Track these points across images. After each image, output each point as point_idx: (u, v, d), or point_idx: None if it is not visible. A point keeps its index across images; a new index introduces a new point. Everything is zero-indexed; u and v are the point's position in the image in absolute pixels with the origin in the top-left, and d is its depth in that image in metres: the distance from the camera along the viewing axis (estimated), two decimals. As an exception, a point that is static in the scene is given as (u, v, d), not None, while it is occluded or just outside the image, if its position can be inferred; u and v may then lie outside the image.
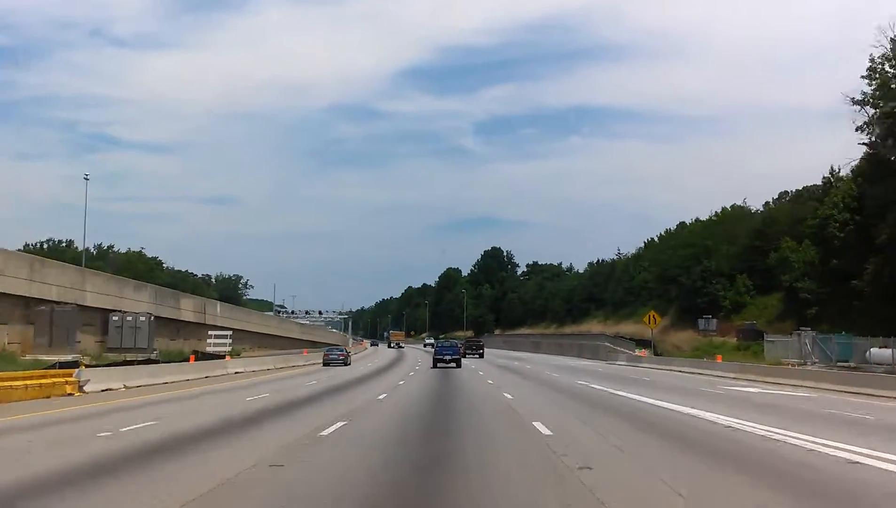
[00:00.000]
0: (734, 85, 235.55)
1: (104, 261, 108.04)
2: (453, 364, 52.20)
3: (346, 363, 62.57)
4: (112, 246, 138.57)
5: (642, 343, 73.81)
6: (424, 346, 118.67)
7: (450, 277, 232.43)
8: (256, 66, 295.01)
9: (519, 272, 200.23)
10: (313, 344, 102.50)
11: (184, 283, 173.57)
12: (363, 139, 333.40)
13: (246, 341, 78.29)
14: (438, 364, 52.25)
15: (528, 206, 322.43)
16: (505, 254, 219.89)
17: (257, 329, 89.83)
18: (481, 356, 78.40)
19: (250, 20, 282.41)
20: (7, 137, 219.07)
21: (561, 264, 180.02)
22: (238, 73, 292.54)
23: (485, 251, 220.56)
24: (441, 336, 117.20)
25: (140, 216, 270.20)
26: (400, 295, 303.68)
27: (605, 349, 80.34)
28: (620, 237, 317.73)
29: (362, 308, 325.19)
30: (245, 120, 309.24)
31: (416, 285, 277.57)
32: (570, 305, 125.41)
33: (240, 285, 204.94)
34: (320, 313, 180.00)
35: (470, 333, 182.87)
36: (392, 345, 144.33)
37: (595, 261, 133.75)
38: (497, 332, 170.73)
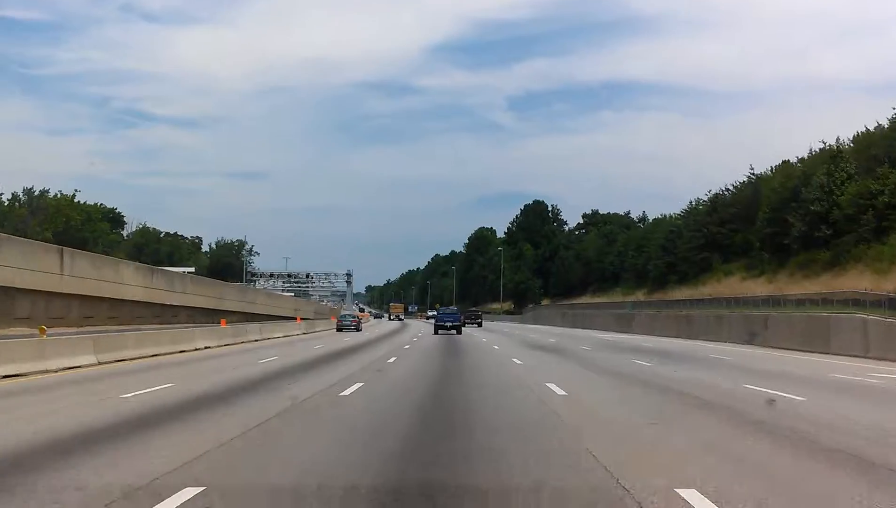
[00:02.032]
0: (770, 57, 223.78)
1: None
2: (454, 331, 52.91)
3: (358, 329, 64.07)
4: (46, 190, 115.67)
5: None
6: (427, 319, 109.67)
7: (482, 238, 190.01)
8: (288, 41, 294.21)
9: (571, 227, 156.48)
10: (270, 318, 62.91)
11: (157, 244, 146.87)
12: (395, 115, 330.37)
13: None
14: (440, 331, 52.98)
15: (561, 182, 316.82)
16: (550, 208, 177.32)
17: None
18: (480, 324, 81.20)
19: None
20: (41, 113, 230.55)
21: (629, 212, 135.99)
22: (269, 48, 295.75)
23: (525, 206, 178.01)
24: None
25: (171, 191, 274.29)
26: (425, 265, 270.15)
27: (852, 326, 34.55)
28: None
29: (388, 281, 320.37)
30: (276, 95, 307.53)
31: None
32: (671, 257, 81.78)
33: (243, 253, 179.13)
34: (308, 275, 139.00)
35: (509, 305, 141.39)
36: (392, 317, 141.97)
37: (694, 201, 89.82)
38: (545, 302, 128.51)
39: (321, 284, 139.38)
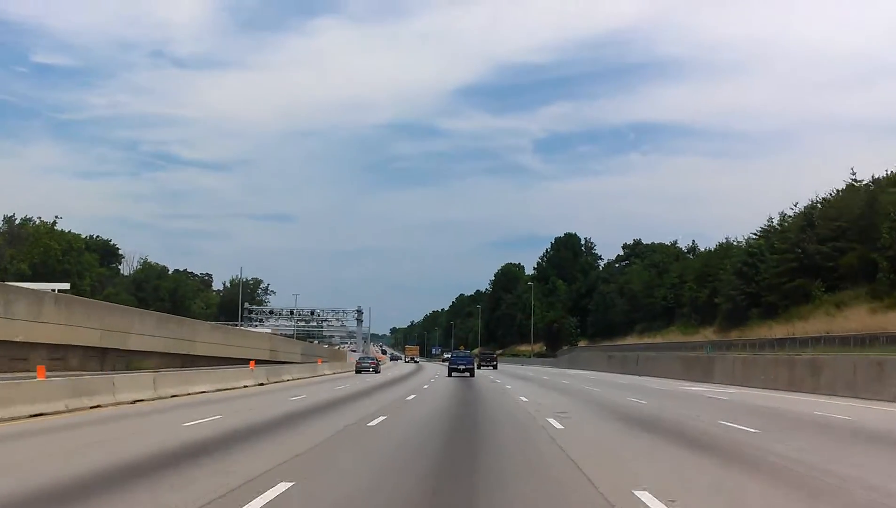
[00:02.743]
0: (796, 100, 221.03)
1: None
2: (467, 373, 52.95)
3: (376, 371, 64.93)
4: (29, 218, 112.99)
5: None
6: (443, 361, 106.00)
7: (509, 274, 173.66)
8: (315, 84, 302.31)
9: (609, 260, 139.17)
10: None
11: (158, 281, 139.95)
12: (421, 157, 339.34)
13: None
14: (453, 373, 53.13)
15: (588, 224, 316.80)
16: (584, 242, 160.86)
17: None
18: (495, 367, 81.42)
19: (309, 39, 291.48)
20: (72, 157, 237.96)
21: (676, 242, 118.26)
22: (296, 91, 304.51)
23: (555, 240, 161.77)
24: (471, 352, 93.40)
25: (198, 233, 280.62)
26: (449, 306, 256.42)
27: None
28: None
29: (412, 322, 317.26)
30: (303, 138, 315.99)
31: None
32: (752, 286, 63.97)
33: (258, 291, 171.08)
34: (312, 313, 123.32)
35: (540, 346, 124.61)
36: (407, 360, 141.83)
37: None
38: (582, 343, 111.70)
39: (331, 322, 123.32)
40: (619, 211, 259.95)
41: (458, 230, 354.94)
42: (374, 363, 67.90)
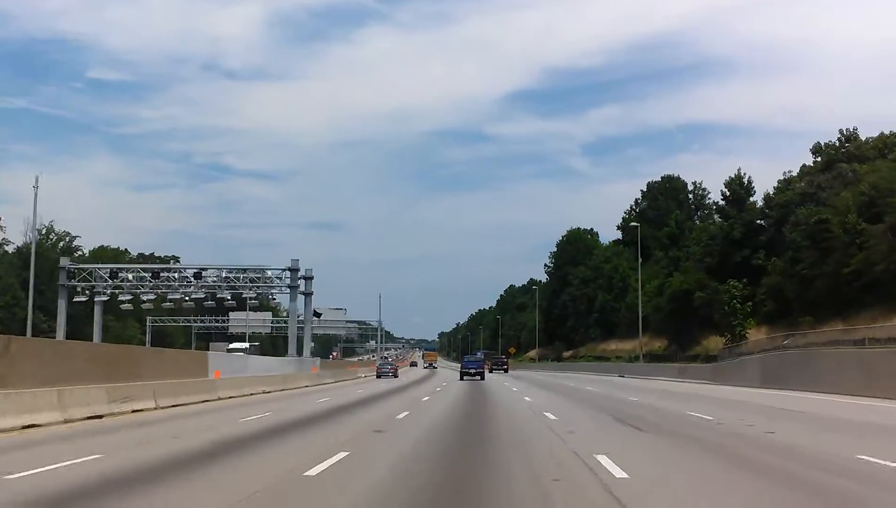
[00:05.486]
0: (847, 97, 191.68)
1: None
2: (478, 377, 53.74)
3: (395, 376, 66.44)
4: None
5: None
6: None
7: (578, 242, 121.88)
8: (363, 93, 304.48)
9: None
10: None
11: None
12: (470, 162, 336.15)
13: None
14: (465, 377, 53.96)
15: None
16: (692, 186, 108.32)
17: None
18: (505, 371, 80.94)
19: (357, 49, 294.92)
20: (129, 170, 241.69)
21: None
22: (345, 101, 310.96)
23: (648, 185, 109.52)
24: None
25: (249, 242, 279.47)
26: (497, 301, 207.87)
27: None
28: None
29: (458, 324, 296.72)
30: (352, 147, 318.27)
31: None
32: None
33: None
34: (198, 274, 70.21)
35: (662, 343, 73.07)
36: (425, 366, 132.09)
37: None
38: (754, 333, 58.21)
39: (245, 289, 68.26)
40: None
41: (508, 234, 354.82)
42: (393, 369, 70.96)
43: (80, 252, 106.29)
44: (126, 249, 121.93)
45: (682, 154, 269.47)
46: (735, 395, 30.50)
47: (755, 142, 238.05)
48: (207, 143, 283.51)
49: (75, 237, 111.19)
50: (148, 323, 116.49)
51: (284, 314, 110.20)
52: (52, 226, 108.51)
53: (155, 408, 21.70)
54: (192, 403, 24.15)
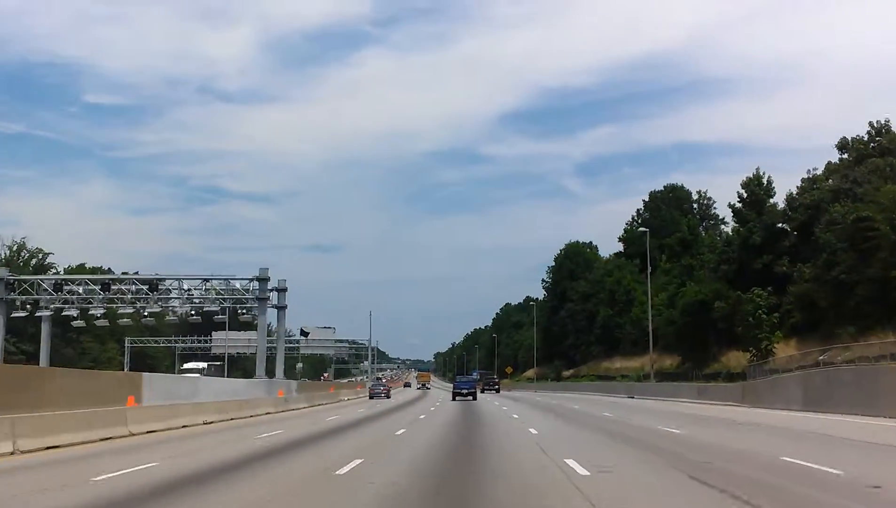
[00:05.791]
0: (839, 116, 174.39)
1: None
2: (470, 397, 55.29)
3: (388, 396, 67.11)
4: None
5: None
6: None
7: (577, 257, 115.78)
8: (358, 115, 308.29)
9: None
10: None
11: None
12: (464, 183, 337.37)
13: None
14: (457, 398, 55.23)
15: None
16: (697, 195, 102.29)
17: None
18: (497, 391, 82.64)
19: (352, 71, 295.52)
20: (125, 194, 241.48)
21: None
22: (340, 123, 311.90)
23: (652, 193, 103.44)
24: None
25: (245, 265, 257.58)
26: (493, 319, 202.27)
27: None
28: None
29: (453, 344, 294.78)
30: (347, 168, 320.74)
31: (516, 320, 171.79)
32: None
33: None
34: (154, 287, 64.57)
35: (676, 361, 66.98)
36: (418, 386, 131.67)
37: None
38: (781, 348, 51.86)
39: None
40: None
41: (504, 255, 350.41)
42: (385, 390, 71.48)
43: (53, 270, 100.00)
44: (109, 268, 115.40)
45: (676, 173, 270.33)
46: (788, 422, 24.31)
47: (756, 159, 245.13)
48: (203, 166, 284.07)
49: (48, 254, 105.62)
50: (126, 344, 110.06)
51: (274, 335, 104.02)
52: (23, 243, 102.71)
53: (12, 453, 15.43)
54: (80, 443, 17.75)
